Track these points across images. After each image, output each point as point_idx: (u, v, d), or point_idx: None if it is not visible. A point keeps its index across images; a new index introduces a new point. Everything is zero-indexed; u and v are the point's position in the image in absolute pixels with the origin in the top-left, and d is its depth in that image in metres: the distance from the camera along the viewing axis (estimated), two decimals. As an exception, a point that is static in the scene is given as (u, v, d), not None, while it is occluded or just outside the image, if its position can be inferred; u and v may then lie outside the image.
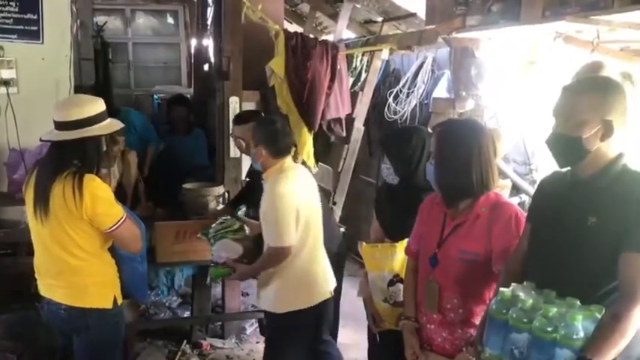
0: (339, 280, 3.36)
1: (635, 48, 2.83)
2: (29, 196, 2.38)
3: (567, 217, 1.74)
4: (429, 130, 2.63)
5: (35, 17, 3.70)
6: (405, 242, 2.37)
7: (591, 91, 1.71)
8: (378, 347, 2.71)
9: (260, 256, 2.80)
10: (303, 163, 4.27)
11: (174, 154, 4.88)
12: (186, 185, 3.86)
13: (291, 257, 2.70)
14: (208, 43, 5.76)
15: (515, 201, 3.14)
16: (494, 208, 2.03)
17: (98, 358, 2.50)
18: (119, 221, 2.35)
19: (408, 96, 4.71)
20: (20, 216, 3.45)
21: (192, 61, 7.02)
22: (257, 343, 4.09)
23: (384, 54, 4.57)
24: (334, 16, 5.40)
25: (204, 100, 5.67)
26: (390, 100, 4.79)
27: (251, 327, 4.28)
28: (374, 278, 2.51)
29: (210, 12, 5.57)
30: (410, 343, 2.18)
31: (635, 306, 1.56)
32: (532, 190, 2.90)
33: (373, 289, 2.53)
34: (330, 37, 5.36)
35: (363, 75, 4.80)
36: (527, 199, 3.35)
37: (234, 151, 4.06)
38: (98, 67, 5.35)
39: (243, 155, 3.58)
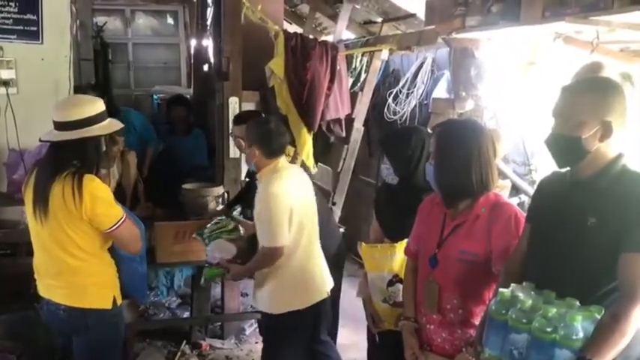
0: (339, 281, 3.36)
1: (634, 49, 2.84)
2: (28, 196, 2.38)
3: (567, 218, 1.74)
4: (429, 130, 2.64)
5: (35, 17, 3.70)
6: (404, 242, 2.37)
7: (591, 92, 1.71)
8: (377, 348, 2.71)
9: (254, 256, 2.80)
10: (303, 163, 4.27)
11: (174, 155, 4.88)
12: (186, 186, 3.87)
13: (286, 257, 2.70)
14: (208, 43, 5.76)
15: (514, 201, 3.14)
16: (493, 209, 2.03)
17: (97, 358, 2.50)
18: (119, 221, 2.36)
19: (407, 96, 4.71)
20: (20, 216, 3.45)
21: (192, 61, 7.02)
22: (256, 343, 4.09)
23: (384, 54, 4.57)
24: (334, 17, 5.40)
25: (204, 101, 5.67)
26: (390, 100, 4.79)
27: (250, 327, 4.28)
28: (373, 278, 2.51)
29: (209, 12, 5.57)
30: (409, 343, 2.18)
31: (634, 306, 1.56)
32: (531, 191, 2.90)
33: (372, 290, 2.53)
34: (329, 38, 5.37)
35: (363, 75, 4.80)
36: (526, 199, 3.35)
37: (233, 152, 4.07)
38: (98, 67, 5.35)
39: (243, 155, 3.58)
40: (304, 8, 6.21)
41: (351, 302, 3.41)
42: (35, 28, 3.71)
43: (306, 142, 4.30)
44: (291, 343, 2.82)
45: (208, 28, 5.66)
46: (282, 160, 2.78)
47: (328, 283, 2.91)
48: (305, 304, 2.77)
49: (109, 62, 6.27)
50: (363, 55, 4.78)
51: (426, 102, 4.60)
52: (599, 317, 1.57)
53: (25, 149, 3.59)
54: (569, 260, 1.72)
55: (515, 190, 3.45)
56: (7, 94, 3.62)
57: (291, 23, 6.28)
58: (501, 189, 3.06)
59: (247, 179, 3.80)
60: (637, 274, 1.58)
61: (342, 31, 5.09)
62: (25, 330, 3.11)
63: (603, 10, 2.30)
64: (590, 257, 1.68)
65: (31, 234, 2.45)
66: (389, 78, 5.10)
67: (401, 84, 4.76)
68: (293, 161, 4.03)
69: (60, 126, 2.34)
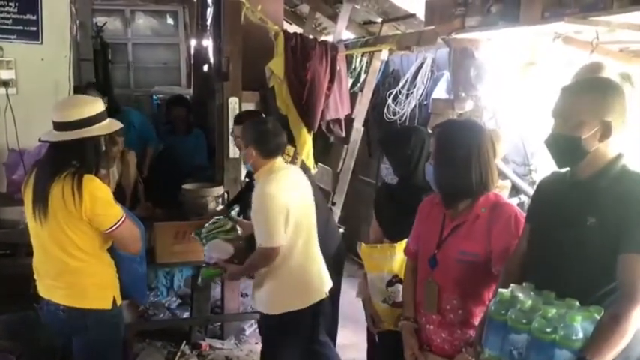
0: (338, 281, 3.36)
1: (634, 49, 2.84)
2: (28, 196, 2.38)
3: (567, 218, 1.74)
4: (429, 130, 2.64)
5: (35, 18, 3.70)
6: (404, 242, 2.37)
7: (590, 92, 1.71)
8: (377, 348, 2.71)
9: (250, 256, 2.80)
10: (303, 163, 4.27)
11: (174, 155, 4.88)
12: (186, 186, 3.87)
13: (283, 258, 2.70)
14: (208, 43, 5.76)
15: (514, 202, 3.14)
16: (493, 209, 2.03)
17: (97, 358, 2.50)
18: (118, 222, 2.35)
19: (407, 97, 4.71)
20: (19, 217, 3.45)
21: (192, 61, 7.02)
22: (256, 343, 4.08)
23: (384, 55, 4.57)
24: (334, 17, 5.40)
25: (204, 101, 5.67)
26: (390, 100, 4.79)
27: (250, 327, 4.28)
28: (373, 279, 2.51)
29: (209, 12, 5.57)
30: (409, 343, 2.18)
31: (634, 306, 1.56)
32: (531, 191, 2.91)
33: (372, 290, 2.53)
34: (329, 38, 5.36)
35: (363, 76, 4.79)
36: (526, 199, 3.35)
37: (233, 152, 4.07)
38: (98, 67, 5.35)
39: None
40: (304, 8, 6.20)
41: (350, 302, 3.41)
42: (35, 29, 3.71)
43: (306, 143, 4.30)
44: (290, 343, 2.82)
45: (208, 28, 5.66)
46: (279, 161, 2.78)
47: (327, 283, 2.90)
48: (304, 304, 2.77)
49: (109, 62, 6.27)
50: (362, 56, 4.78)
51: (425, 102, 4.60)
52: (598, 317, 1.57)
53: (25, 149, 3.59)
54: (569, 260, 1.72)
55: (515, 190, 3.45)
56: (7, 95, 3.62)
57: (291, 23, 6.27)
58: (501, 189, 3.06)
59: (247, 179, 3.80)
60: (637, 275, 1.58)
61: (341, 32, 5.09)
62: (25, 330, 3.11)
63: (602, 10, 2.30)
64: (589, 257, 1.68)
65: (30, 234, 2.45)
66: (389, 78, 5.10)
67: (401, 84, 4.76)
68: (293, 161, 4.02)
69: (59, 126, 2.34)
